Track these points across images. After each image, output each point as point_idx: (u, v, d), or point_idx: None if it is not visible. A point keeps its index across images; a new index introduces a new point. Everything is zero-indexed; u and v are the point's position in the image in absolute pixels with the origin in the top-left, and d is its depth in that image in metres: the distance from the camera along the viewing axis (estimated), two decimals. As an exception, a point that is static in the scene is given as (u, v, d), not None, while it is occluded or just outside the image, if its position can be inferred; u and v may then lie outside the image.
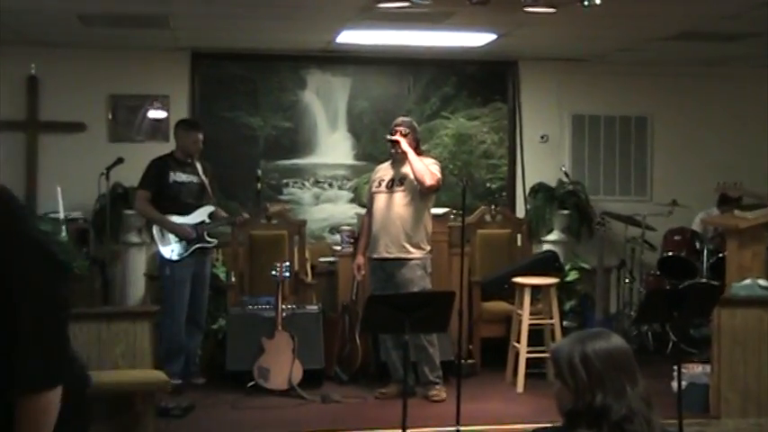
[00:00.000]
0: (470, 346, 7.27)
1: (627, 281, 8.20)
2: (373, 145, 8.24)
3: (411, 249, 6.36)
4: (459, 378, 5.77)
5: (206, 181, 6.93)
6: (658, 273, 7.92)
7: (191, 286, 6.79)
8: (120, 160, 7.15)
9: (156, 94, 8.09)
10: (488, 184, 8.64)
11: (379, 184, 6.55)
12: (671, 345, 7.30)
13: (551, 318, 6.83)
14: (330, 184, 8.42)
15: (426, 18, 6.50)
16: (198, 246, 6.78)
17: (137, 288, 7.55)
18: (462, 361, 6.47)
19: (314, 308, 7.12)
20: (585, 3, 5.51)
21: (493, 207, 8.03)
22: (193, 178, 6.88)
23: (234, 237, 7.47)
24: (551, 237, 8.21)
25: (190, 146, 6.88)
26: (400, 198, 6.43)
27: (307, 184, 8.38)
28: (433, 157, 6.87)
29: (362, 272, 6.65)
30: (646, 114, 8.85)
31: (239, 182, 8.00)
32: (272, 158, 8.29)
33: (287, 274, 6.86)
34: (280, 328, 6.70)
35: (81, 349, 5.26)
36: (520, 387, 6.70)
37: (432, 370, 6.46)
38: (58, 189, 7.19)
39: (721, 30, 6.97)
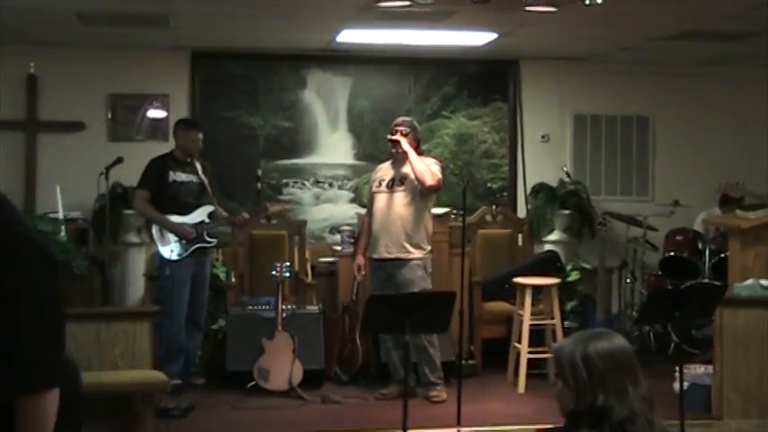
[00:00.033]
0: (471, 347, 7.25)
1: (628, 281, 8.18)
2: (374, 145, 8.22)
3: (411, 249, 6.34)
4: (460, 379, 5.75)
5: (206, 180, 6.91)
6: (660, 273, 7.91)
7: (190, 286, 6.77)
8: (119, 160, 7.14)
9: (156, 93, 8.08)
10: (489, 184, 8.62)
11: (380, 184, 6.53)
12: (673, 345, 7.29)
13: (552, 318, 6.81)
14: (330, 184, 8.40)
15: (427, 17, 6.49)
16: (198, 246, 6.76)
17: (136, 288, 7.53)
18: (463, 361, 6.46)
19: (314, 308, 7.10)
20: (587, 2, 5.48)
21: (494, 207, 8.01)
22: (193, 178, 6.86)
23: (234, 237, 7.46)
24: (552, 237, 8.18)
25: (189, 145, 6.87)
26: (401, 198, 6.41)
27: (307, 183, 8.37)
28: (433, 157, 6.86)
29: (362, 272, 6.64)
30: (647, 114, 8.83)
31: (239, 182, 7.98)
32: (272, 158, 8.27)
33: (287, 274, 6.84)
34: (280, 328, 6.69)
35: (80, 349, 5.29)
36: (521, 388, 6.69)
37: (432, 370, 6.44)
38: (58, 189, 7.18)
39: (722, 29, 6.95)
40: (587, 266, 7.89)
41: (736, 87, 8.74)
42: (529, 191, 8.49)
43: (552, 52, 8.34)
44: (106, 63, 7.93)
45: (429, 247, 6.44)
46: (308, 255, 7.64)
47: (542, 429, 4.94)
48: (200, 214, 6.86)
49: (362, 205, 7.60)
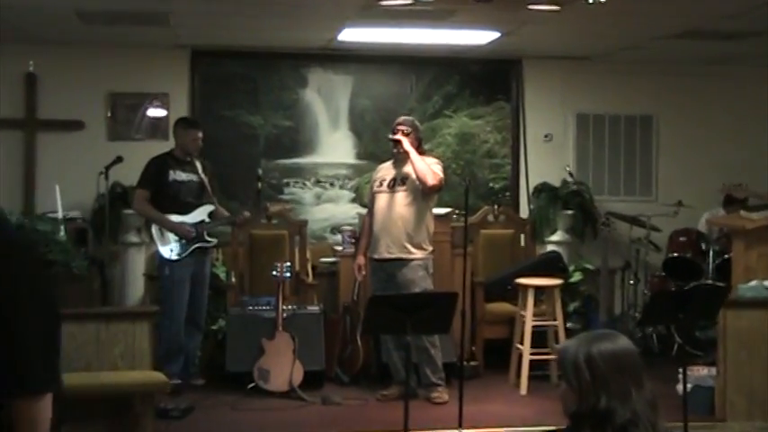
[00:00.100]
0: (473, 348, 7.22)
1: (631, 282, 8.15)
2: (375, 144, 8.19)
3: (412, 250, 6.31)
4: (462, 380, 5.71)
5: (206, 180, 6.88)
6: (663, 274, 7.88)
7: (190, 286, 6.74)
8: (119, 159, 7.11)
9: (156, 92, 8.05)
10: (491, 184, 8.59)
11: (381, 184, 6.49)
12: (676, 347, 7.24)
13: (555, 319, 6.78)
14: (331, 184, 8.37)
15: (429, 16, 6.47)
16: (197, 245, 6.73)
17: (136, 288, 7.50)
18: (465, 363, 6.44)
19: (315, 308, 7.07)
20: (590, 0, 5.46)
21: (496, 207, 7.99)
22: (193, 177, 6.84)
23: (234, 236, 7.44)
24: (555, 237, 8.15)
25: (189, 144, 6.84)
26: (402, 198, 6.38)
27: (308, 183, 8.34)
28: (435, 157, 6.82)
29: (363, 272, 6.60)
30: (651, 113, 8.80)
31: (239, 181, 7.96)
32: (272, 157, 8.24)
33: (288, 274, 6.81)
34: (280, 328, 6.66)
35: (80, 350, 5.30)
36: (523, 389, 6.66)
37: (434, 371, 6.41)
38: (57, 188, 7.14)
39: (725, 28, 6.93)
40: (590, 267, 7.86)
41: (741, 87, 8.70)
42: (531, 191, 8.45)
43: (555, 51, 8.31)
44: (106, 62, 7.90)
45: (430, 248, 6.41)
46: (308, 255, 7.62)
47: None
48: (200, 214, 6.83)
49: (363, 205, 7.57)
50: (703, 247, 7.71)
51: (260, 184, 7.56)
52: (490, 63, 8.51)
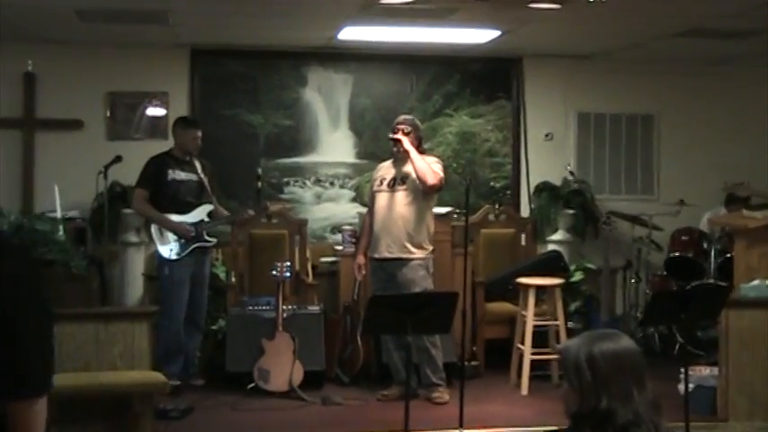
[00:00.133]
0: (474, 348, 7.20)
1: (633, 281, 8.13)
2: (375, 143, 8.17)
3: (413, 249, 6.29)
4: (463, 380, 5.69)
5: (205, 179, 6.86)
6: (665, 273, 7.87)
7: (190, 286, 6.73)
8: (118, 158, 7.09)
9: (155, 91, 8.03)
10: (492, 183, 8.57)
11: (381, 183, 6.47)
12: (678, 347, 7.23)
13: (556, 319, 6.76)
14: (331, 183, 8.35)
15: (429, 14, 6.46)
16: (197, 245, 6.71)
17: (135, 288, 7.49)
18: (465, 363, 6.40)
19: (315, 308, 7.05)
20: (591, -1, 5.45)
21: (497, 206, 7.98)
22: (192, 176, 6.82)
23: (234, 236, 7.42)
24: (556, 236, 8.13)
25: (188, 143, 6.82)
26: (402, 197, 6.36)
27: (308, 182, 8.32)
28: (435, 156, 6.80)
29: (363, 272, 6.59)
30: (652, 112, 8.79)
31: (239, 180, 7.94)
32: (272, 157, 8.22)
33: (288, 274, 6.79)
34: (280, 328, 6.64)
35: (79, 350, 5.29)
36: (524, 389, 6.64)
37: (434, 372, 6.39)
38: (56, 188, 7.10)
39: (726, 27, 6.92)
40: (591, 266, 7.85)
41: (742, 86, 8.68)
42: (532, 190, 8.43)
43: (556, 50, 8.29)
44: (105, 61, 7.88)
45: (431, 247, 6.39)
46: (308, 254, 7.60)
47: (546, 432, 4.86)
48: (200, 213, 6.81)
49: (364, 204, 7.55)
50: (705, 246, 7.69)
51: (260, 184, 7.55)
52: (491, 62, 8.49)
